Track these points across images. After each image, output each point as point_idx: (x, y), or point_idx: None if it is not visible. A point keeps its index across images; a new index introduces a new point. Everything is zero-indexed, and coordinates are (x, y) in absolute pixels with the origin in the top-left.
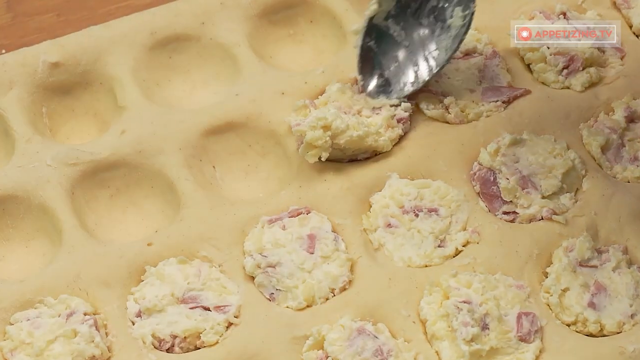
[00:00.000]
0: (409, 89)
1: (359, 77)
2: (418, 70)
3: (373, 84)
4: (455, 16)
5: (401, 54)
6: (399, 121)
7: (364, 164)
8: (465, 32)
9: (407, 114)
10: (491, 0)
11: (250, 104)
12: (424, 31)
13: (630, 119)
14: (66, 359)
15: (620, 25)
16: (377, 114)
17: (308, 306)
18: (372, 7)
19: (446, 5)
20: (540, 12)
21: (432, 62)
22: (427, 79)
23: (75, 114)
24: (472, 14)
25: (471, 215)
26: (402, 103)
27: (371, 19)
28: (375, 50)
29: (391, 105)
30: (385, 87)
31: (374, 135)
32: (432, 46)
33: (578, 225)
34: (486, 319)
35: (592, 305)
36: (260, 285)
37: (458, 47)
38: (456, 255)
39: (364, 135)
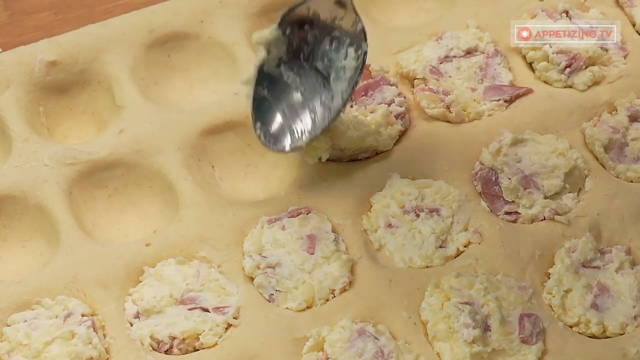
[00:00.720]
0: (306, 137)
1: (255, 127)
2: (315, 117)
3: (270, 133)
4: (349, 57)
5: (297, 101)
6: (396, 117)
7: (364, 164)
8: (360, 74)
9: (402, 108)
10: None
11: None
12: (319, 76)
13: (634, 118)
14: None
15: (623, 24)
16: (372, 112)
17: (308, 307)
18: (260, 55)
19: (339, 47)
20: (542, 11)
21: (328, 108)
22: (324, 126)
23: (72, 113)
24: (365, 53)
25: (473, 216)
26: (396, 98)
27: (262, 67)
28: (270, 99)
29: (385, 103)
30: (282, 136)
31: (374, 135)
32: (328, 91)
33: (581, 226)
34: (488, 320)
35: (594, 306)
36: (260, 286)
37: (353, 89)
38: (457, 255)
39: (364, 136)
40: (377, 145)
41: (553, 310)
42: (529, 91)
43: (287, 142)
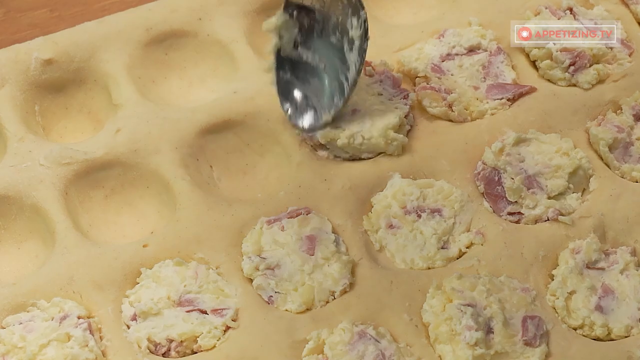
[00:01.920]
0: (332, 111)
1: (285, 110)
2: (337, 91)
3: (298, 114)
4: (353, 27)
5: (320, 79)
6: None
7: (364, 164)
8: (365, 41)
9: (407, 107)
10: None
11: (249, 102)
12: (335, 50)
13: (639, 117)
14: None
15: (628, 21)
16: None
17: (308, 309)
18: (273, 42)
19: (345, 19)
20: (546, 8)
21: (346, 80)
22: (345, 97)
23: (68, 112)
24: (365, 20)
25: (475, 216)
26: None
27: (279, 52)
28: (293, 81)
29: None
30: (310, 115)
31: (385, 138)
32: (347, 63)
33: (585, 227)
34: (490, 322)
35: (599, 308)
36: (259, 288)
37: (363, 59)
38: (460, 257)
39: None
40: (387, 149)
41: (557, 313)
42: (532, 90)
43: (315, 120)
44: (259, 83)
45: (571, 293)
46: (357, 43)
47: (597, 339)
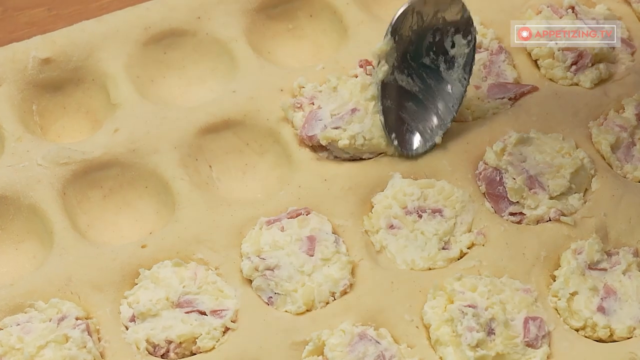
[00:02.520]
0: (437, 132)
1: (392, 139)
2: (439, 111)
3: (403, 140)
4: (458, 45)
5: (417, 102)
6: None
7: (365, 164)
8: (473, 58)
9: None
10: None
11: (248, 101)
12: (428, 71)
13: None
14: None
15: (631, 20)
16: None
17: (308, 310)
18: (383, 69)
19: (443, 37)
20: (548, 7)
21: (450, 98)
22: (453, 116)
23: (66, 112)
24: (475, 38)
25: (476, 217)
26: None
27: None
28: (393, 107)
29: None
30: (414, 139)
31: (386, 139)
32: (441, 82)
33: (587, 227)
34: (492, 323)
35: (601, 309)
36: (258, 289)
37: (470, 75)
38: (461, 257)
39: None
40: (388, 150)
41: (559, 314)
42: (534, 89)
43: (420, 144)
44: (259, 82)
45: (573, 294)
46: (460, 61)
47: (599, 340)
